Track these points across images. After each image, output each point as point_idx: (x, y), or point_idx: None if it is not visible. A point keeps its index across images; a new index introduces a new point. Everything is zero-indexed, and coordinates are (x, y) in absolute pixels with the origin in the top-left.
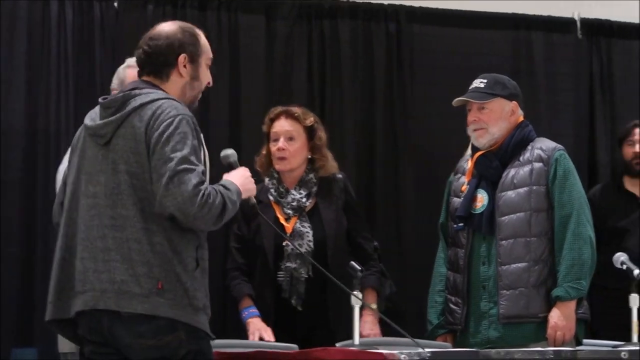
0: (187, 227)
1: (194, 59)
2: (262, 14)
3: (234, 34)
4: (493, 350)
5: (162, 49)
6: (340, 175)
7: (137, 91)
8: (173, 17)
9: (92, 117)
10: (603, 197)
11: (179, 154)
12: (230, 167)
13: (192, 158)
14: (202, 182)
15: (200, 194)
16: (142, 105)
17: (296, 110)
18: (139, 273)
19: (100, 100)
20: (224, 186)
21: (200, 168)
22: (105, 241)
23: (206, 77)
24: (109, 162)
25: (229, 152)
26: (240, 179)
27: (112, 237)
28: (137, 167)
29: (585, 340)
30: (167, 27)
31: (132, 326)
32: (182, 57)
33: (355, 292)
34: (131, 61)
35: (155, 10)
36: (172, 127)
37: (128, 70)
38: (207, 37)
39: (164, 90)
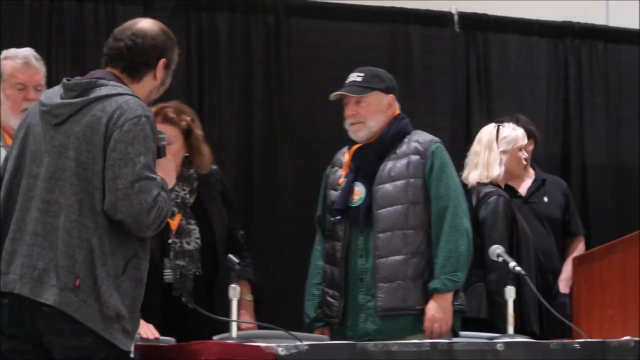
0: (129, 232)
1: (168, 65)
2: (140, 5)
3: (111, 25)
4: (370, 342)
5: (146, 48)
6: (215, 167)
7: (104, 81)
8: (50, 10)
9: (49, 96)
10: None
11: (142, 160)
12: (157, 151)
13: (153, 166)
14: (159, 194)
15: (157, 206)
16: (108, 97)
17: (171, 112)
18: (60, 264)
19: (64, 80)
20: (165, 190)
21: (159, 178)
22: (35, 225)
23: (167, 85)
24: (56, 144)
25: (162, 136)
26: (165, 173)
27: (43, 223)
28: (87, 156)
29: (461, 333)
30: (150, 26)
31: (53, 323)
32: (162, 61)
33: (233, 285)
34: (9, 53)
35: (32, 4)
36: (138, 128)
37: (6, 62)
38: (84, 29)
39: (129, 88)
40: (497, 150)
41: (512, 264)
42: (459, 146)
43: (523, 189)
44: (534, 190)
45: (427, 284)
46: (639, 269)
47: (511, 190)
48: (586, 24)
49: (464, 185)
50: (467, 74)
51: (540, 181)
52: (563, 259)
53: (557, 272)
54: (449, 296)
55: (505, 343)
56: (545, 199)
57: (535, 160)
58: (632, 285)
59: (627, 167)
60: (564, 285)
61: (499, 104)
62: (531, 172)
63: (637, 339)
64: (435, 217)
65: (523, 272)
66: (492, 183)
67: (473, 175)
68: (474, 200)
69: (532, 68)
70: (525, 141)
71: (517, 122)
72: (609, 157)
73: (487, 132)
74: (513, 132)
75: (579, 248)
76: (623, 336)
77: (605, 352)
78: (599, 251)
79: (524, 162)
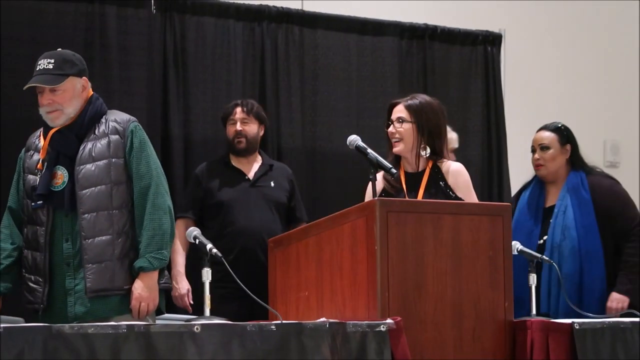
0: None
1: None
2: None
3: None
4: (67, 325)
5: None
6: None
7: None
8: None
9: None
10: (211, 173)
11: None
12: None
13: None
14: None
15: None
16: None
17: None
18: None
19: None
20: None
21: None
22: None
23: None
24: None
25: None
26: None
27: None
28: None
29: (166, 315)
30: None
31: None
32: None
33: None
34: None
35: None
36: None
37: None
38: None
39: None
40: None
41: (210, 245)
42: (156, 127)
43: (252, 172)
44: (261, 174)
45: (134, 263)
46: (332, 251)
47: (240, 174)
48: (282, 8)
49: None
50: (163, 56)
51: (268, 166)
52: None
53: None
54: (155, 274)
55: (202, 325)
56: (272, 184)
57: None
58: (327, 268)
59: (322, 151)
60: None
61: (196, 86)
62: (258, 156)
63: (332, 320)
64: (138, 196)
65: (220, 255)
66: None
67: None
68: None
69: (229, 51)
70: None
71: (250, 107)
72: (304, 140)
73: None
74: (450, 133)
75: None
76: (318, 318)
77: (301, 333)
78: (295, 233)
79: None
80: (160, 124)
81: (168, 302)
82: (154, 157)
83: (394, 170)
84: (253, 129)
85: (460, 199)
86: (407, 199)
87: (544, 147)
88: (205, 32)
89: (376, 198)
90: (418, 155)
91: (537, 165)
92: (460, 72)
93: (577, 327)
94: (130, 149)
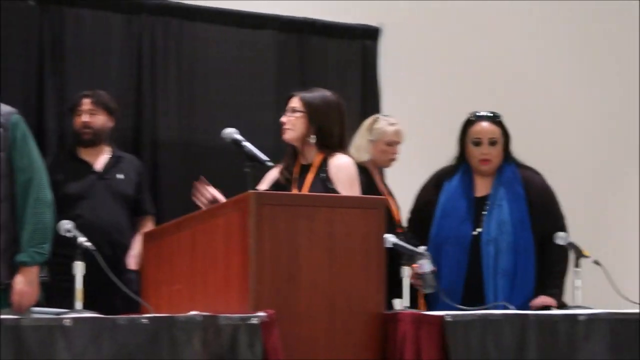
0: None
1: None
2: None
3: None
4: None
5: None
6: None
7: None
8: None
9: None
10: (56, 166)
11: None
12: None
13: None
14: None
15: None
16: None
17: None
18: None
19: None
20: None
21: None
22: None
23: None
24: None
25: None
26: None
27: None
28: None
29: (33, 309)
30: None
31: None
32: None
33: None
34: None
35: None
36: None
37: None
38: None
39: None
40: (367, 137)
41: (82, 239)
42: (32, 121)
43: (99, 164)
44: (109, 167)
45: (15, 258)
46: (206, 244)
47: (87, 166)
48: (161, 1)
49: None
50: (40, 48)
51: (116, 158)
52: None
53: (127, 248)
54: (36, 269)
55: (72, 318)
56: (120, 176)
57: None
58: (200, 261)
59: (198, 144)
60: (133, 261)
61: (73, 79)
62: (107, 148)
63: (204, 313)
64: (21, 190)
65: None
66: (360, 165)
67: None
68: None
69: (107, 44)
70: (399, 138)
71: (98, 98)
72: (181, 133)
73: (368, 119)
74: (386, 127)
75: (149, 226)
76: (190, 311)
77: (172, 326)
78: (168, 227)
79: (391, 157)
80: (35, 116)
81: (47, 295)
82: (36, 151)
83: (269, 163)
84: (100, 120)
85: (336, 192)
86: (281, 192)
87: (494, 142)
88: (83, 24)
89: (250, 191)
90: (307, 145)
91: (484, 161)
92: (338, 65)
93: (448, 320)
94: (13, 142)
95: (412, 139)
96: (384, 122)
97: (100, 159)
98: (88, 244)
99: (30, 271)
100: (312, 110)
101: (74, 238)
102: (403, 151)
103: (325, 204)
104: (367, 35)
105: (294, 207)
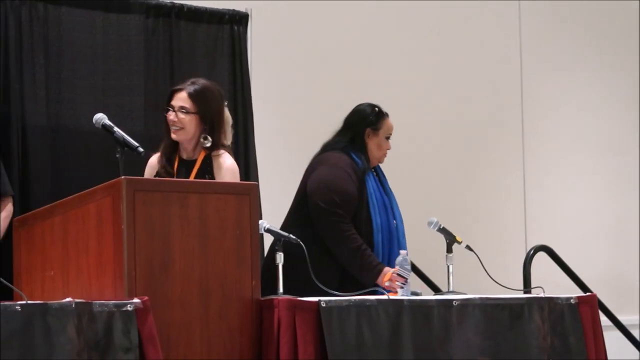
0: None
1: None
2: None
3: None
4: None
5: None
6: None
7: None
8: None
9: None
10: None
11: None
12: None
13: None
14: None
15: None
16: None
17: None
18: None
19: None
20: None
21: None
22: None
23: None
24: None
25: None
26: None
27: None
28: None
29: None
30: None
31: None
32: None
33: None
34: None
35: None
36: None
37: None
38: None
39: None
40: None
41: None
42: None
43: None
44: None
45: None
46: (78, 230)
47: None
48: None
49: None
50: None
51: None
52: None
53: None
54: None
55: None
56: None
57: None
58: (73, 247)
59: (67, 129)
60: None
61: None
62: None
63: (77, 300)
64: None
65: None
66: None
67: None
68: None
69: None
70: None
71: None
72: (49, 118)
73: None
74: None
75: (7, 209)
76: (64, 298)
77: (46, 313)
78: (40, 212)
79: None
80: None
81: None
82: None
83: (140, 149)
84: None
85: None
86: (153, 178)
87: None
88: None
89: (122, 177)
90: (197, 145)
91: (384, 155)
92: (207, 51)
93: (324, 305)
94: None
95: (282, 124)
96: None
97: None
98: None
99: None
100: (203, 110)
101: None
102: (273, 137)
103: (197, 190)
104: (236, 20)
105: (166, 193)
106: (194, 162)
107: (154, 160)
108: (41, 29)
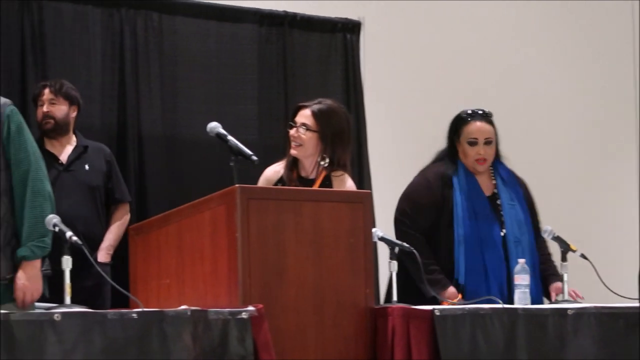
0: None
1: None
2: None
3: None
4: None
5: None
6: None
7: None
8: None
9: None
10: None
11: None
12: None
13: None
14: None
15: None
16: None
17: None
18: None
19: None
20: None
21: None
22: None
23: None
24: None
25: None
26: None
27: None
28: None
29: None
30: None
31: None
32: None
33: None
34: None
35: None
36: None
37: None
38: None
39: None
40: None
41: (69, 233)
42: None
43: (64, 156)
44: (75, 157)
45: (16, 252)
46: (193, 238)
47: (53, 158)
48: None
49: None
50: (21, 41)
51: (82, 148)
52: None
53: (98, 241)
54: (38, 263)
55: (62, 313)
56: (87, 167)
57: (91, 130)
58: (188, 255)
59: (182, 138)
60: (103, 254)
61: (54, 73)
62: (73, 138)
63: (193, 308)
64: (18, 183)
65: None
66: None
67: None
68: None
69: (87, 37)
70: None
71: (58, 87)
72: (164, 127)
73: None
74: None
75: (123, 215)
76: (179, 305)
77: (162, 321)
78: (155, 221)
79: None
80: (20, 111)
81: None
82: (32, 142)
83: (254, 158)
84: (62, 109)
85: None
86: (267, 187)
87: (489, 142)
88: (63, 17)
89: (237, 185)
90: (316, 164)
91: (481, 160)
92: (320, 59)
93: (438, 314)
94: (7, 133)
95: (395, 132)
96: None
97: (66, 150)
98: (75, 238)
99: (32, 265)
100: (324, 130)
101: (61, 232)
102: (387, 145)
103: (311, 198)
104: (349, 29)
105: (280, 201)
106: (312, 181)
107: (269, 172)
108: (156, 39)
